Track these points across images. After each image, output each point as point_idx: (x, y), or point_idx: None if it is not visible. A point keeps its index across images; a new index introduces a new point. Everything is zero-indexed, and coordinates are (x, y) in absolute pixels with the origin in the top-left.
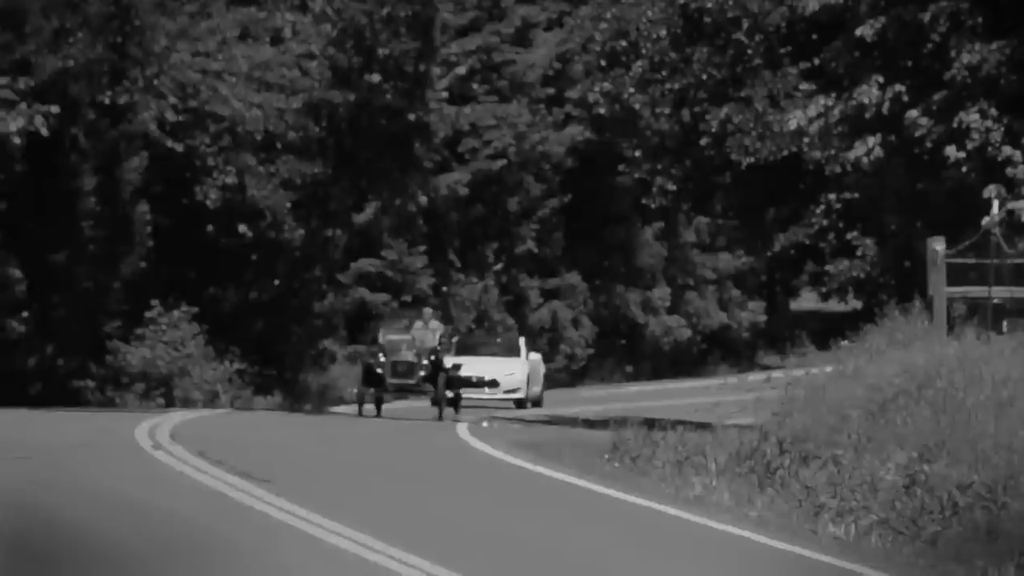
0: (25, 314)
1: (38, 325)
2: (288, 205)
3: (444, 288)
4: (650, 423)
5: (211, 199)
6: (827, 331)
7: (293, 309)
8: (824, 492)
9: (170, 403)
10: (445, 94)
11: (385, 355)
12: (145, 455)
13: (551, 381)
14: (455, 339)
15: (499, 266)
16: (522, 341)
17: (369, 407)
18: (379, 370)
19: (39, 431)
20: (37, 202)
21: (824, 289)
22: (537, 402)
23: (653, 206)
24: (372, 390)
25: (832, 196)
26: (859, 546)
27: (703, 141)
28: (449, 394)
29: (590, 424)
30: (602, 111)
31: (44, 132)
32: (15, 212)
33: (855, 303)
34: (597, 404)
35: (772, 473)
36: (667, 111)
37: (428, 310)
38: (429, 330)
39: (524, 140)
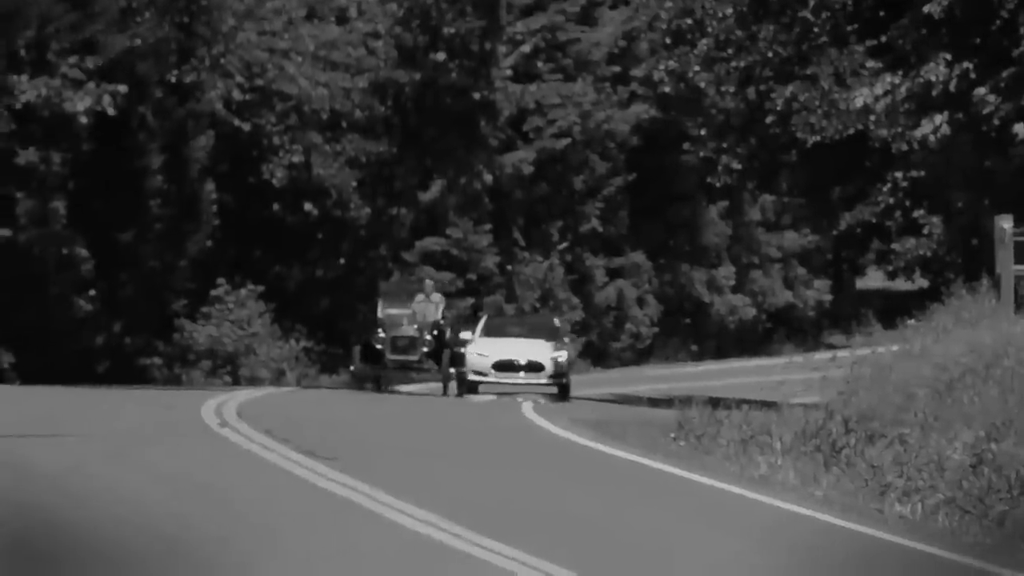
0: (93, 292)
1: (105, 303)
2: (354, 184)
3: (509, 267)
4: (715, 402)
5: (277, 178)
6: (893, 310)
7: (358, 287)
8: (890, 471)
9: (236, 381)
10: (510, 72)
11: (384, 330)
12: (212, 433)
13: (617, 360)
14: (483, 319)
15: (564, 245)
16: (558, 322)
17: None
18: (378, 346)
19: (107, 408)
20: (104, 181)
21: (890, 268)
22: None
23: (718, 184)
24: (370, 368)
25: (899, 174)
26: (926, 526)
27: (768, 119)
28: (453, 371)
29: (654, 403)
30: (667, 89)
31: (111, 111)
32: (83, 191)
33: (921, 282)
34: (662, 383)
35: (838, 452)
36: (732, 89)
37: (429, 282)
38: (431, 303)
39: (589, 118)
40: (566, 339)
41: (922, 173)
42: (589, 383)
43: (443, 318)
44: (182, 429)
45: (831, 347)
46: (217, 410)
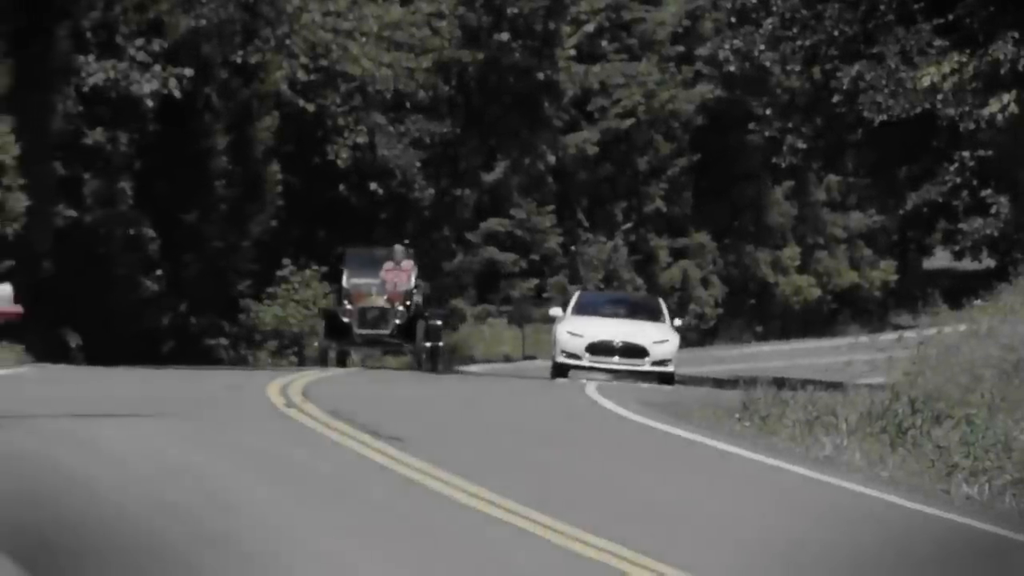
0: (158, 273)
1: (171, 284)
2: (418, 164)
3: (572, 247)
4: (780, 382)
5: (341, 158)
6: (960, 290)
7: (422, 268)
8: (957, 452)
9: (302, 362)
10: (574, 52)
11: (351, 302)
12: (278, 412)
13: (682, 341)
14: (576, 294)
15: (628, 225)
16: (663, 304)
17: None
18: (345, 319)
19: (174, 388)
20: (169, 162)
21: (957, 247)
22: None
23: (783, 164)
24: (335, 344)
25: (966, 153)
26: (993, 506)
27: (834, 98)
28: (427, 345)
29: (719, 384)
30: (732, 69)
31: (177, 94)
32: (149, 172)
33: (988, 261)
34: (726, 364)
35: (904, 433)
36: (798, 68)
37: (399, 247)
38: (402, 271)
39: (653, 98)
40: (673, 322)
41: (989, 152)
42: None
43: (415, 287)
44: (248, 409)
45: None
46: (283, 390)
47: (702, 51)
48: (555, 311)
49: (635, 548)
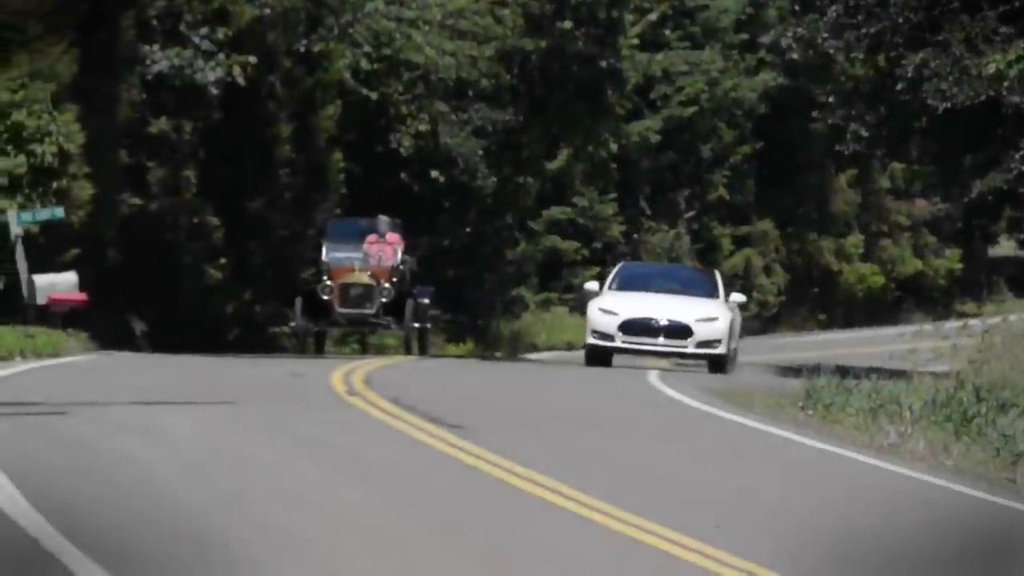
0: (223, 261)
1: (235, 272)
2: (480, 152)
3: (635, 235)
4: (843, 371)
5: (404, 147)
6: None
7: (485, 256)
8: (1022, 440)
9: (364, 350)
10: (637, 40)
11: (331, 277)
12: (341, 400)
13: (744, 329)
14: (618, 266)
15: (690, 213)
16: (719, 277)
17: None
18: (324, 297)
19: (237, 376)
20: (234, 150)
21: (1022, 235)
22: (732, 362)
23: (847, 152)
24: (313, 325)
25: None
26: None
27: (898, 86)
28: (416, 325)
29: (782, 372)
30: (795, 56)
31: (241, 82)
32: (212, 161)
33: None
34: (789, 352)
35: (968, 421)
36: (862, 56)
37: (384, 218)
38: (387, 243)
39: (716, 86)
40: (731, 298)
41: None
42: None
43: (402, 263)
44: (312, 397)
45: (962, 315)
46: (346, 378)
47: (765, 39)
48: (590, 285)
49: (694, 535)
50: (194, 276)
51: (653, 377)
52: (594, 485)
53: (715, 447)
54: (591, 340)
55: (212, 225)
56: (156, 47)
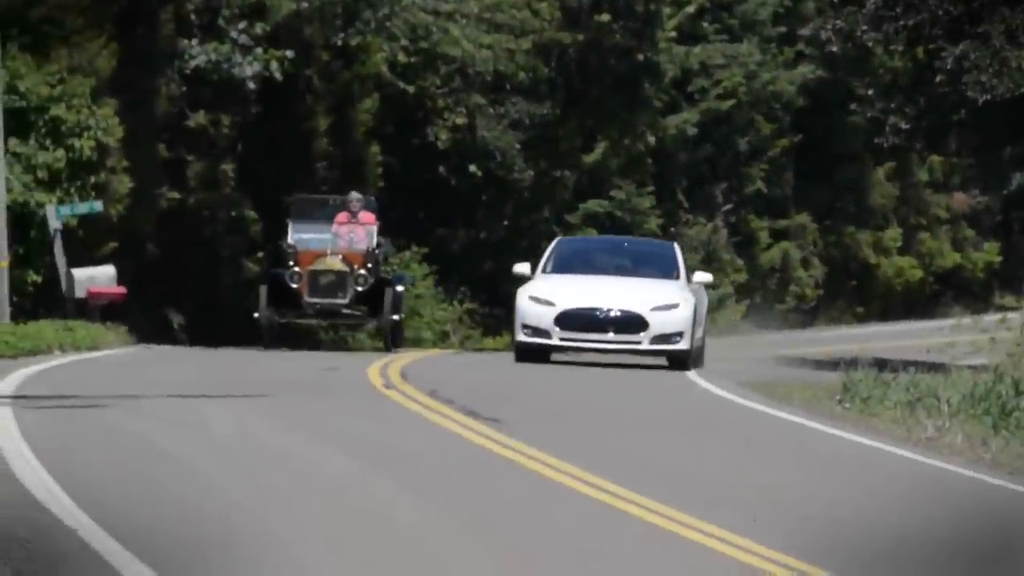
0: (260, 254)
1: (273, 265)
2: (517, 146)
3: (672, 229)
4: (881, 364)
5: (441, 140)
6: None
7: (522, 249)
8: None
9: (320, 345)
10: (675, 33)
11: (298, 263)
12: (377, 394)
13: (783, 322)
14: (554, 242)
15: (728, 206)
16: (679, 252)
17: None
18: (293, 285)
19: (275, 370)
20: (271, 144)
21: None
22: (698, 358)
23: (886, 145)
24: (279, 317)
25: None
26: None
27: (937, 78)
28: (396, 317)
29: (820, 365)
30: (834, 49)
31: (278, 76)
32: (250, 154)
33: None
34: (827, 345)
35: (1007, 415)
36: (901, 48)
37: (356, 195)
38: (360, 224)
39: (754, 79)
40: (695, 278)
41: None
42: (754, 345)
43: (378, 246)
44: (349, 390)
45: (1001, 309)
46: (382, 371)
47: (804, 31)
48: (520, 268)
49: (729, 528)
50: (232, 270)
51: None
52: (629, 478)
53: (752, 441)
54: (521, 337)
55: (250, 219)
56: (194, 41)
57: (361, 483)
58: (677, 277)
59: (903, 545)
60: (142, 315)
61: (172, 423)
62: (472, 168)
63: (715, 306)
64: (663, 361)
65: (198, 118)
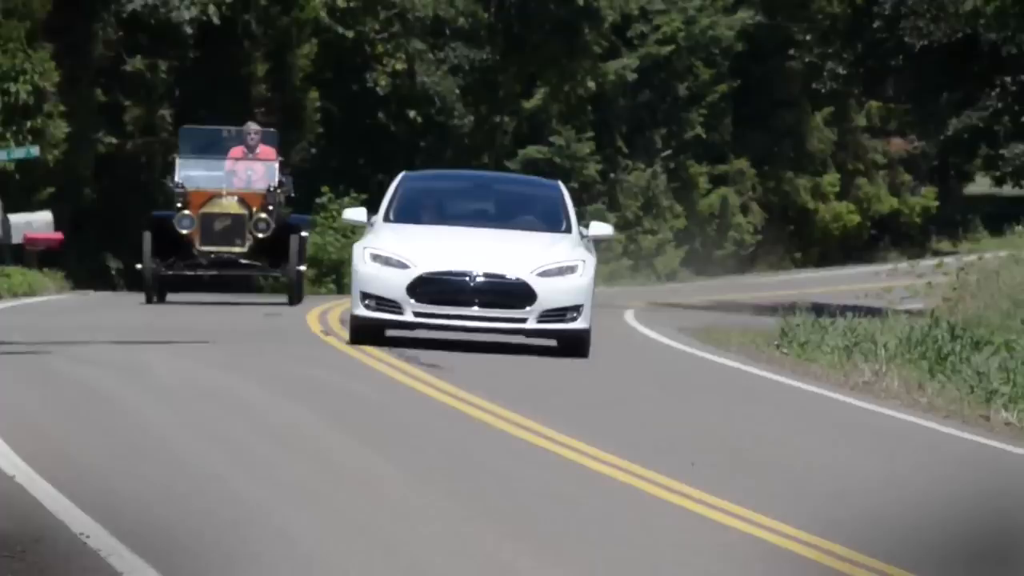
0: None
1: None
2: (457, 91)
3: (611, 175)
4: (819, 309)
5: (381, 85)
6: (1001, 216)
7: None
8: (996, 378)
9: (340, 289)
10: None
11: (188, 205)
12: (317, 340)
13: (720, 267)
14: (396, 180)
15: (667, 152)
16: (566, 193)
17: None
18: (182, 230)
19: (214, 316)
20: (209, 89)
21: (998, 173)
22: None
23: (823, 90)
24: (165, 268)
25: (1007, 78)
26: None
27: (875, 23)
28: (303, 268)
29: (758, 310)
30: None
31: (216, 20)
32: (188, 100)
33: None
34: (765, 291)
35: (943, 359)
36: None
37: (253, 125)
38: (257, 160)
39: (693, 24)
40: (591, 230)
41: None
42: (692, 291)
43: (280, 185)
44: (289, 337)
45: (937, 254)
46: (321, 317)
47: None
48: (352, 214)
49: (668, 474)
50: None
51: (629, 316)
52: (559, 420)
53: (695, 386)
54: (361, 311)
55: None
56: None
57: (299, 427)
58: (568, 229)
59: (835, 486)
60: (79, 261)
61: (114, 369)
62: (411, 114)
63: (654, 252)
64: (551, 343)
65: (135, 63)
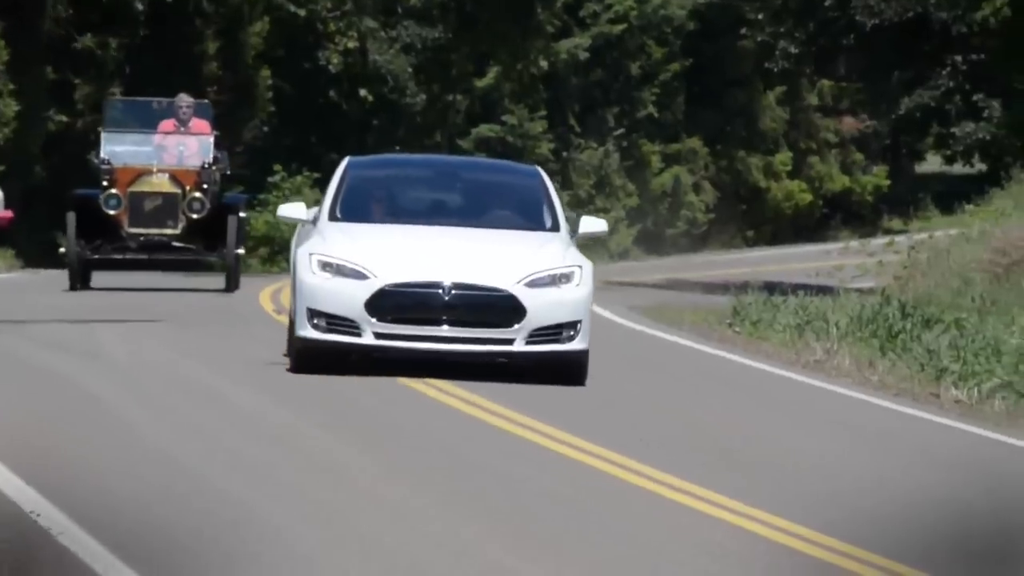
0: None
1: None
2: (409, 70)
3: (564, 153)
4: (771, 287)
5: (333, 64)
6: (952, 194)
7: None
8: (947, 356)
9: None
10: None
11: (115, 184)
12: (269, 319)
13: (673, 246)
14: (342, 166)
15: (620, 131)
16: (548, 183)
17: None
18: (109, 211)
19: (166, 294)
20: (160, 67)
21: (949, 152)
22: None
23: (776, 69)
24: (91, 252)
25: (958, 57)
26: (981, 410)
27: (826, 2)
28: (241, 251)
29: (710, 289)
30: None
31: None
32: (138, 78)
33: (980, 166)
34: (717, 269)
35: (894, 337)
36: None
37: (186, 97)
38: (192, 136)
39: (646, 3)
40: (581, 227)
41: (982, 56)
42: (645, 270)
43: (215, 162)
44: (242, 315)
45: (888, 232)
46: (274, 296)
47: None
48: (290, 210)
49: (620, 451)
50: None
51: None
52: (509, 398)
53: (645, 364)
54: (308, 332)
55: None
56: None
57: (251, 406)
58: (555, 227)
59: (785, 463)
60: (29, 239)
61: (66, 349)
62: (363, 92)
63: (607, 232)
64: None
65: (86, 40)
